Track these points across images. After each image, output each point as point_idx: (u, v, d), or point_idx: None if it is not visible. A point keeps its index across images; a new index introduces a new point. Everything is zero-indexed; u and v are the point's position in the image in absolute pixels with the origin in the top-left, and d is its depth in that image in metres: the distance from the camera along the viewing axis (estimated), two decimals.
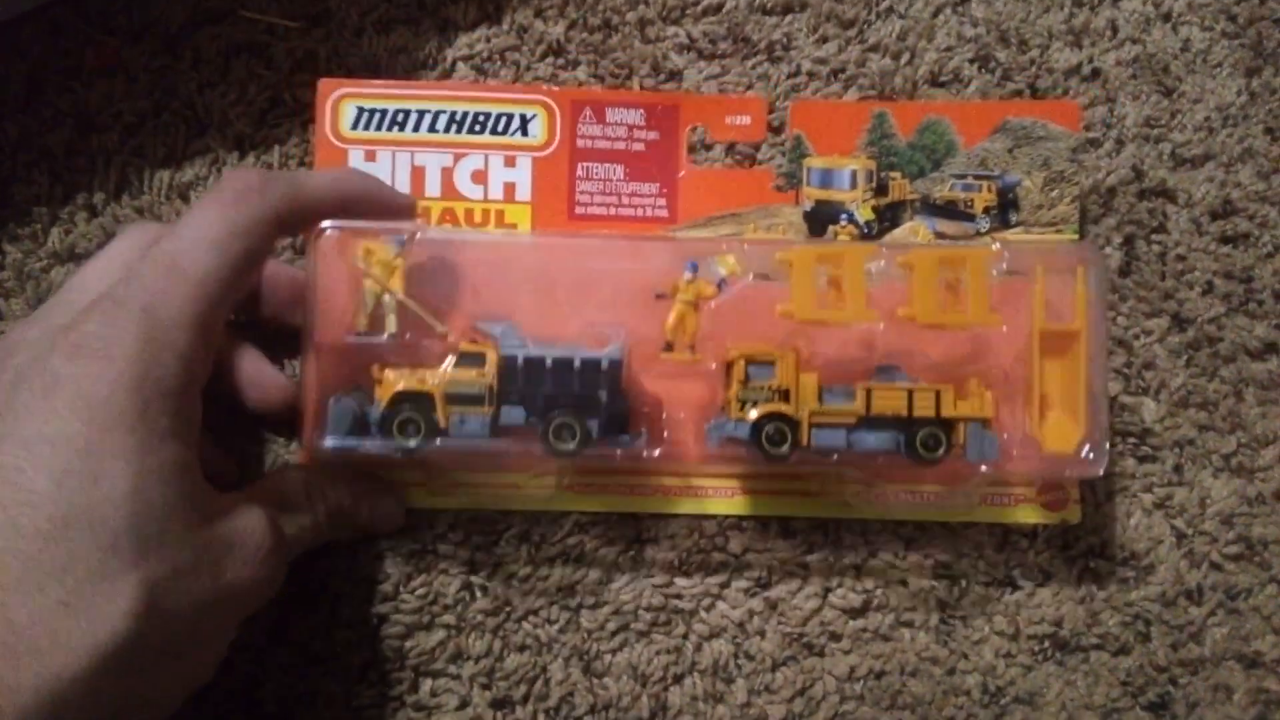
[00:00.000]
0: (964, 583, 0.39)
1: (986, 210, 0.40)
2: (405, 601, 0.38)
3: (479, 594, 0.38)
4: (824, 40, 0.45)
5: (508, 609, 0.38)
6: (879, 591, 0.39)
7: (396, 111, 0.40)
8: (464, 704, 0.37)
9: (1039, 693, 0.38)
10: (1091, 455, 0.36)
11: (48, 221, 0.41)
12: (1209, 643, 0.38)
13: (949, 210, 0.41)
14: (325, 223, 0.35)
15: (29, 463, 0.27)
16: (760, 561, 0.39)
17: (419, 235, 0.36)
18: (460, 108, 0.40)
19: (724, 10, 0.44)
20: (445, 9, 0.43)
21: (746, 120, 0.41)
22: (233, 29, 0.43)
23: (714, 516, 0.39)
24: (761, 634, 0.38)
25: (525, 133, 0.40)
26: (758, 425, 0.35)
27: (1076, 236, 0.41)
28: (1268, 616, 0.38)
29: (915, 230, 0.41)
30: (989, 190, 0.40)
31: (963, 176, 0.41)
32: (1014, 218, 0.40)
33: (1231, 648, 0.37)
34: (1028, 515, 0.39)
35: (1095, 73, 0.45)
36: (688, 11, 0.44)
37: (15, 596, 0.26)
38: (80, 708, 0.26)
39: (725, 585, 0.39)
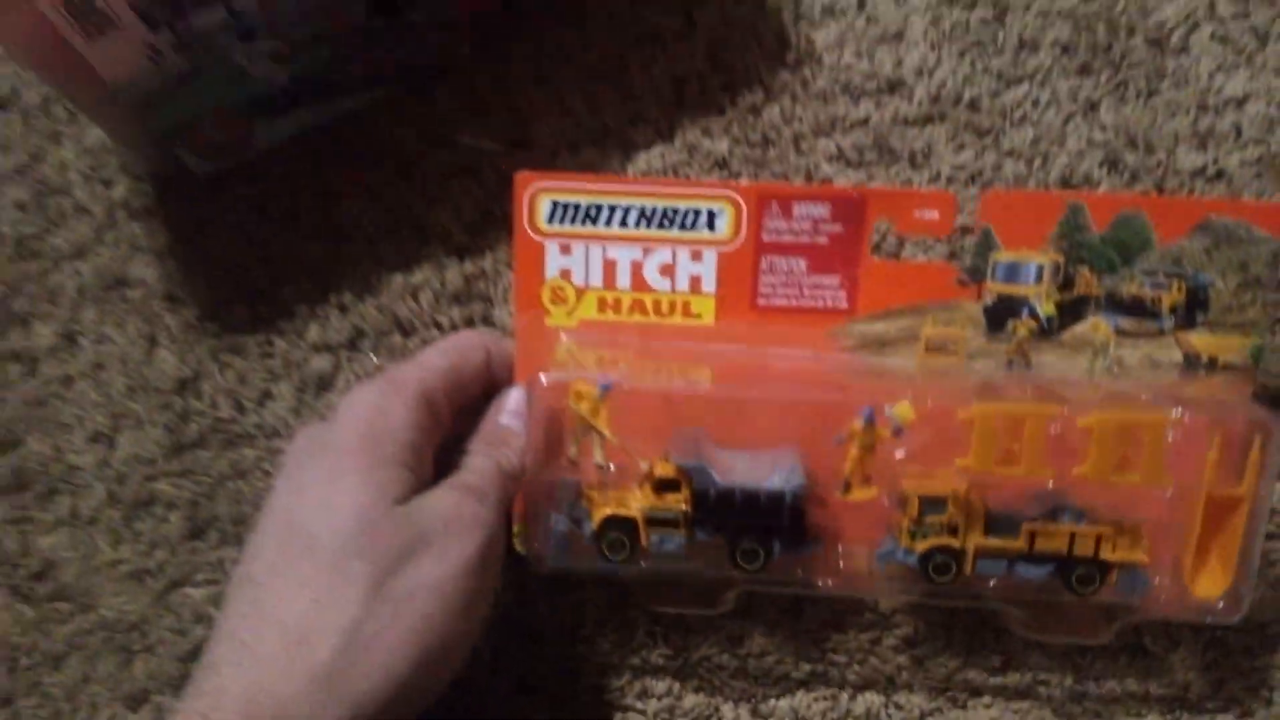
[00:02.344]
0: (1095, 647, 0.43)
1: (1173, 309, 0.40)
2: (600, 643, 0.44)
3: (660, 640, 0.44)
4: (961, 148, 0.49)
5: (684, 654, 0.44)
6: (1017, 652, 0.43)
7: (590, 206, 0.41)
8: None
9: None
10: (1233, 604, 0.37)
11: (307, 318, 0.48)
12: None
13: (1134, 307, 0.40)
14: (542, 374, 0.39)
15: (299, 504, 0.36)
16: (908, 621, 0.44)
17: (624, 385, 0.39)
18: (651, 203, 0.41)
19: (869, 124, 0.50)
20: (626, 131, 0.50)
21: (934, 215, 0.40)
22: (450, 154, 0.50)
23: None
24: (910, 687, 0.43)
25: (712, 228, 0.41)
26: (925, 557, 0.37)
27: (1260, 341, 0.41)
28: None
29: (1096, 326, 0.40)
30: (1178, 289, 0.40)
31: (1152, 273, 0.40)
32: (1200, 318, 0.40)
33: None
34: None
35: (1220, 173, 0.48)
36: (836, 125, 0.50)
37: (283, 603, 0.34)
38: (341, 681, 0.33)
39: (876, 642, 0.44)
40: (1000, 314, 0.40)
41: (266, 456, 0.47)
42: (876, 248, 0.44)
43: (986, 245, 0.40)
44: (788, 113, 0.50)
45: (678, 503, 0.38)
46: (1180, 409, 0.37)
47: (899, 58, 0.50)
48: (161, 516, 0.46)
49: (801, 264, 0.41)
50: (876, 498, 0.38)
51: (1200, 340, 0.40)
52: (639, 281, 0.41)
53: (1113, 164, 0.49)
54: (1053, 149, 0.49)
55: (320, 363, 0.48)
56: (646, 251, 0.41)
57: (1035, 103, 0.50)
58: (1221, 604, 0.37)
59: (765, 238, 0.41)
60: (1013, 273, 0.40)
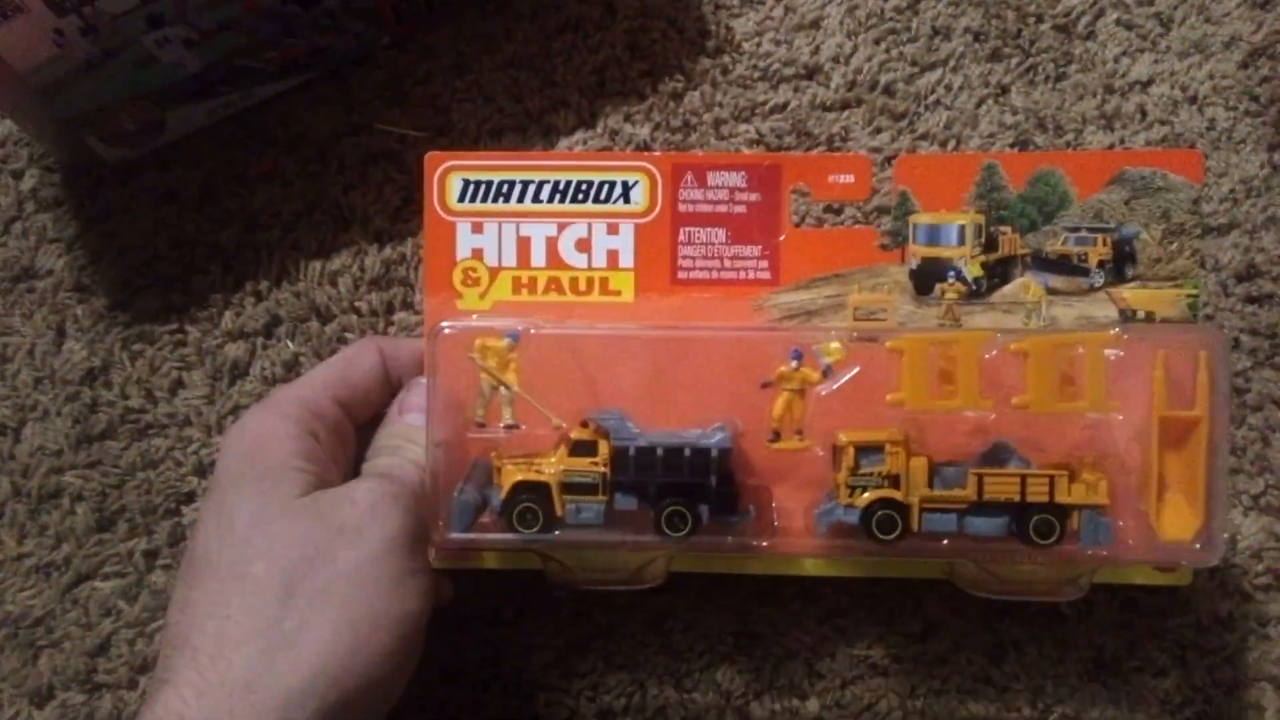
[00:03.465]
0: (1013, 612, 0.43)
1: (1101, 264, 0.38)
2: (520, 625, 0.44)
3: (582, 619, 0.44)
4: (878, 131, 0.50)
5: (606, 632, 0.44)
6: (937, 619, 0.43)
7: (502, 183, 0.40)
8: (572, 714, 0.43)
9: (1085, 710, 0.42)
10: (1209, 545, 0.34)
11: (221, 306, 0.47)
12: (1241, 666, 0.41)
13: (1062, 265, 0.39)
14: (443, 322, 0.38)
15: (195, 540, 0.35)
16: (831, 594, 0.44)
17: (531, 330, 0.38)
18: (564, 177, 0.40)
19: (788, 109, 0.51)
20: (548, 116, 0.50)
21: (850, 179, 0.40)
22: (370, 139, 0.50)
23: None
24: (832, 656, 0.43)
25: (628, 200, 0.40)
26: (867, 511, 0.35)
27: (1195, 291, 0.39)
28: None
29: (1026, 286, 0.39)
30: (1104, 244, 0.38)
31: (1076, 229, 0.39)
32: (1130, 272, 0.39)
33: (1263, 670, 0.41)
34: (1141, 575, 0.37)
35: None
36: (756, 111, 0.50)
37: (194, 630, 0.33)
38: (263, 686, 0.32)
39: (799, 614, 0.44)
40: (926, 277, 0.39)
41: (178, 446, 0.46)
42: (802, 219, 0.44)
43: (905, 209, 0.40)
44: (708, 98, 0.51)
45: (595, 466, 0.36)
46: (1117, 328, 0.36)
47: (816, 45, 0.51)
48: (68, 509, 0.45)
49: (721, 234, 0.40)
50: (809, 449, 0.36)
51: (1134, 295, 0.39)
52: (554, 259, 0.40)
53: (1023, 145, 0.50)
54: (965, 131, 0.50)
55: (235, 350, 0.47)
56: (561, 227, 0.40)
57: (948, 87, 0.51)
58: (1197, 545, 0.34)
59: (682, 208, 0.40)
60: (934, 235, 0.39)
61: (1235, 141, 0.50)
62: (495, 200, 0.40)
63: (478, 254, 0.41)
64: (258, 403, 0.39)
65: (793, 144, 0.50)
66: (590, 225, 0.40)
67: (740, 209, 0.40)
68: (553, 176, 0.41)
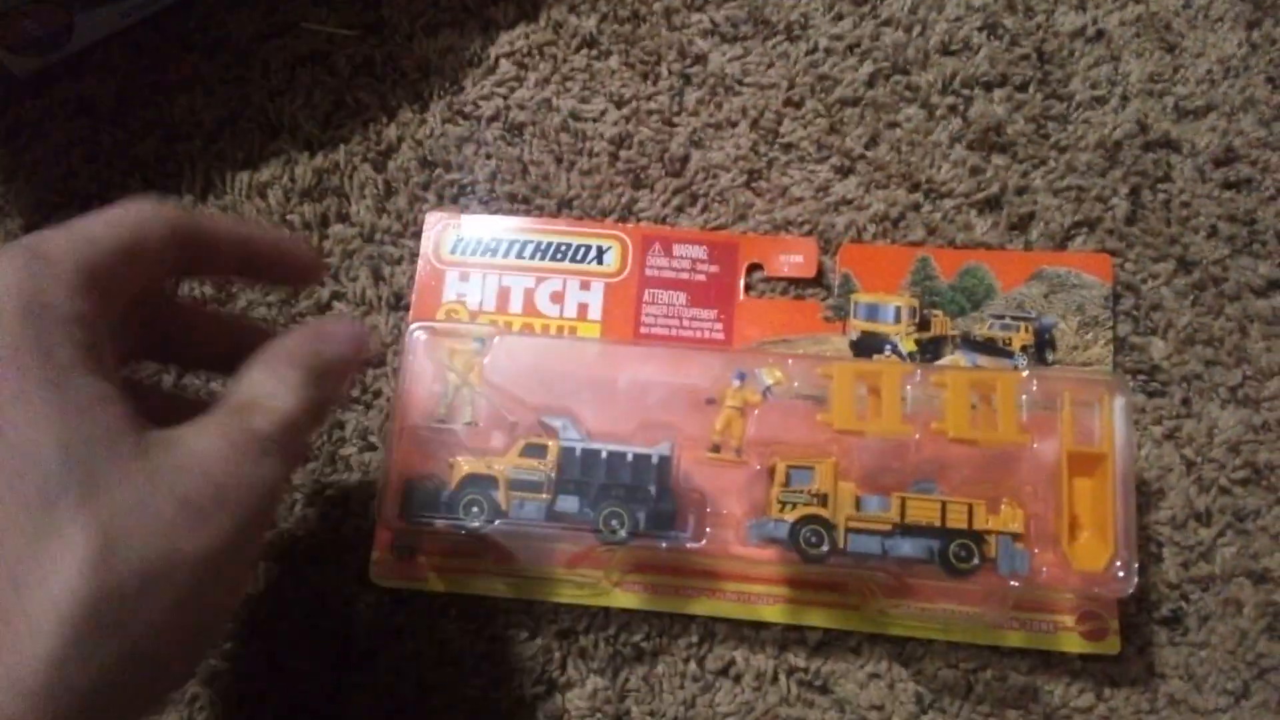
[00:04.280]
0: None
1: (1024, 349, 0.42)
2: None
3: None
4: (839, 18, 0.47)
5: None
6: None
7: (491, 240, 0.44)
8: (539, 639, 0.41)
9: None
10: (1122, 574, 0.36)
11: None
12: (1219, 561, 0.40)
13: (988, 347, 0.42)
14: (414, 325, 0.40)
15: None
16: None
17: (497, 338, 0.40)
18: (546, 239, 0.44)
19: None
20: (487, 10, 0.47)
21: (799, 259, 0.43)
22: (296, 40, 0.46)
23: (744, 622, 0.40)
24: None
25: (601, 262, 0.44)
26: (796, 526, 0.37)
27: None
28: (1275, 536, 0.40)
29: (956, 364, 0.42)
30: (1026, 330, 0.42)
31: (1001, 317, 0.42)
32: (1050, 357, 0.41)
33: (1241, 565, 0.40)
34: (1069, 644, 0.38)
35: (1099, 34, 0.47)
36: None
37: None
38: (72, 685, 0.23)
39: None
40: (865, 349, 0.42)
41: None
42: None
43: (847, 288, 0.43)
44: None
45: (542, 466, 0.38)
46: (1028, 372, 0.39)
47: None
48: None
49: (682, 298, 0.44)
50: (745, 463, 0.39)
51: (1046, 369, 0.41)
52: (530, 307, 0.44)
53: (992, 29, 0.47)
54: (931, 16, 0.47)
55: None
56: (539, 280, 0.44)
57: None
58: (1108, 573, 0.36)
59: (649, 273, 0.44)
60: (873, 312, 0.43)
61: (1212, 20, 0.47)
62: (483, 255, 0.44)
63: (461, 299, 0.44)
64: (19, 245, 0.27)
65: (749, 34, 0.47)
66: (565, 281, 0.44)
67: (701, 277, 0.44)
68: (537, 239, 0.44)
